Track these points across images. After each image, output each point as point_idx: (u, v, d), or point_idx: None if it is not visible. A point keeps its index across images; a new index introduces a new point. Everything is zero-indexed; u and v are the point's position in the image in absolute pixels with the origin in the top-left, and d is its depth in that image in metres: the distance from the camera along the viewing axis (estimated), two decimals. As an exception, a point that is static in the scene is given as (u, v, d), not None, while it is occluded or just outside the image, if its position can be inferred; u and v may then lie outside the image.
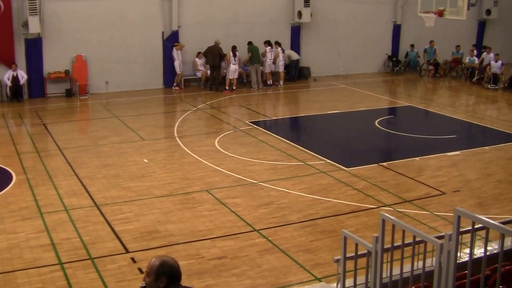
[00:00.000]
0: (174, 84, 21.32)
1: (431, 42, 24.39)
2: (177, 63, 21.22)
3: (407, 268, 5.47)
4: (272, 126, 16.76)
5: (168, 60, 21.41)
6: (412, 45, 25.08)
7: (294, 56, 23.08)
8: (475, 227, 5.25)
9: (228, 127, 16.19)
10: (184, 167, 12.51)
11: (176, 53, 21.14)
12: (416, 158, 13.19)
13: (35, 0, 18.68)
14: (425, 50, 24.67)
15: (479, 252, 5.94)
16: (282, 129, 16.79)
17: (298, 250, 8.56)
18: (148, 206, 10.27)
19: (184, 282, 3.89)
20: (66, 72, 20.04)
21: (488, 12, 26.69)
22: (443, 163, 12.88)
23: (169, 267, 3.74)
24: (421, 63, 25.04)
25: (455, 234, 4.86)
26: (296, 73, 23.25)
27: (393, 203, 10.42)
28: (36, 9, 18.76)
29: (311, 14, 22.98)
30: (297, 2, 23.00)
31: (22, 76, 19.13)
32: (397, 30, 25.49)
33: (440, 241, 4.90)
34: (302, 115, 18.25)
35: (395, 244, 5.56)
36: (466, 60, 23.95)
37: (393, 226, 5.34)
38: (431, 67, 24.66)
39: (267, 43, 21.85)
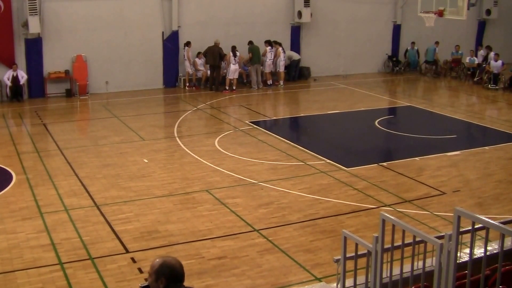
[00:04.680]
0: (190, 84, 21.38)
1: (436, 43, 24.41)
2: (188, 63, 21.27)
3: (407, 268, 5.47)
4: (272, 126, 16.76)
5: (168, 60, 21.43)
6: (412, 43, 25.02)
7: (296, 56, 23.07)
8: (475, 227, 5.25)
9: (228, 127, 16.18)
10: (184, 167, 12.51)
11: (189, 53, 21.19)
12: (416, 158, 13.18)
13: (35, 0, 18.68)
14: (427, 50, 24.74)
15: (479, 252, 5.94)
16: (282, 129, 16.79)
17: (298, 250, 8.56)
18: (148, 206, 10.27)
19: (183, 282, 3.89)
20: (66, 72, 20.05)
21: (488, 12, 26.69)
22: (443, 163, 12.88)
23: (169, 268, 3.73)
24: (421, 62, 25.11)
25: (455, 234, 4.86)
26: (296, 73, 23.24)
27: (393, 203, 10.42)
28: (36, 9, 18.76)
29: (311, 14, 22.98)
30: (297, 2, 23.01)
31: (22, 76, 19.13)
32: (397, 30, 25.50)
33: (440, 241, 4.90)
34: (302, 115, 18.25)
35: (395, 244, 5.56)
36: (466, 60, 23.95)
37: (393, 226, 5.34)
38: (428, 66, 24.78)
39: (268, 42, 21.85)
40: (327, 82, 23.10)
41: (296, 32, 23.53)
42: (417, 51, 25.15)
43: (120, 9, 20.53)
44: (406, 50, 25.37)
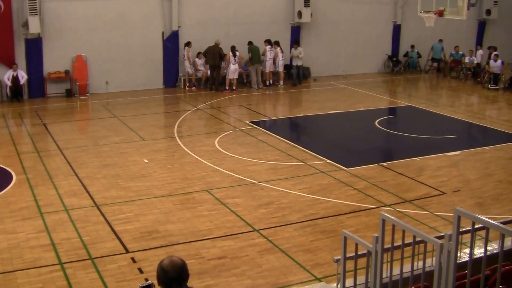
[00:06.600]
0: (190, 84, 21.40)
1: (440, 40, 24.63)
2: (188, 63, 21.27)
3: (407, 268, 5.47)
4: (272, 126, 16.76)
5: (168, 60, 21.43)
6: (412, 46, 25.15)
7: (301, 54, 22.72)
8: (475, 227, 5.25)
9: (228, 127, 16.18)
10: (184, 167, 12.51)
11: (189, 53, 21.19)
12: (416, 158, 13.18)
13: (35, 0, 18.68)
14: (432, 48, 24.87)
15: (479, 252, 5.94)
16: (282, 129, 16.78)
17: (298, 250, 8.56)
18: (148, 206, 10.27)
19: (186, 281, 3.96)
20: (66, 72, 20.05)
21: (488, 12, 26.69)
22: (443, 163, 12.88)
23: (163, 272, 3.93)
24: (425, 60, 25.29)
25: (455, 234, 4.86)
26: (301, 76, 22.84)
27: (393, 203, 10.42)
28: (36, 9, 18.76)
29: (311, 14, 22.97)
30: (297, 2, 23.00)
31: (22, 76, 19.13)
32: (397, 30, 25.50)
33: (440, 241, 4.90)
34: (302, 115, 18.23)
35: (395, 244, 5.56)
36: (466, 60, 23.96)
37: (393, 226, 5.34)
38: (435, 64, 24.95)
39: (268, 41, 21.83)
40: (327, 82, 23.09)
41: (296, 32, 23.52)
42: (418, 52, 25.24)
43: (120, 9, 20.52)
44: (407, 52, 25.43)
